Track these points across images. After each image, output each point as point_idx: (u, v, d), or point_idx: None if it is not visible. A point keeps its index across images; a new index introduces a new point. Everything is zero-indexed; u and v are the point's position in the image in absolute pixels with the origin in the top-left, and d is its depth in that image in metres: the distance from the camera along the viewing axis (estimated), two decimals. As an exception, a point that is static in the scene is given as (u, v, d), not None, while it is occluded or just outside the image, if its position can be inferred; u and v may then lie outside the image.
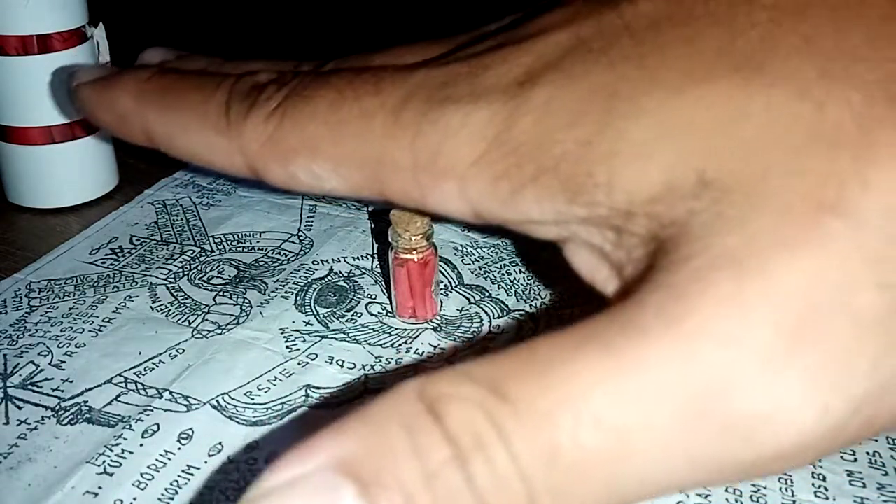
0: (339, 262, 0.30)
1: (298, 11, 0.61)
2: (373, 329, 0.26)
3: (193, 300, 0.28)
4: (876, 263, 0.15)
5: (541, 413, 0.15)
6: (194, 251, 0.30)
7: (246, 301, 0.27)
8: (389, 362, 0.25)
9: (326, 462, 0.15)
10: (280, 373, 0.24)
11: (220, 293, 0.28)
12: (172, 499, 0.20)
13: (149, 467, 0.21)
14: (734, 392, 0.15)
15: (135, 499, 0.20)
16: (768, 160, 0.16)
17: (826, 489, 0.20)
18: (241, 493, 0.20)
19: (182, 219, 0.33)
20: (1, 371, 0.24)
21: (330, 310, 0.27)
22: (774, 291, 0.15)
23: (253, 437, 0.22)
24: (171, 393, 0.23)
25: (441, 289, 0.28)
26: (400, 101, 0.22)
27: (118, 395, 0.23)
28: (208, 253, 0.30)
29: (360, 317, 0.27)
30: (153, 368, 0.24)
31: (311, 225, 0.32)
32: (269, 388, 0.24)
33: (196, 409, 0.23)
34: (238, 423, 0.22)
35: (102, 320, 0.26)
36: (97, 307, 0.27)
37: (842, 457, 0.21)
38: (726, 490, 0.20)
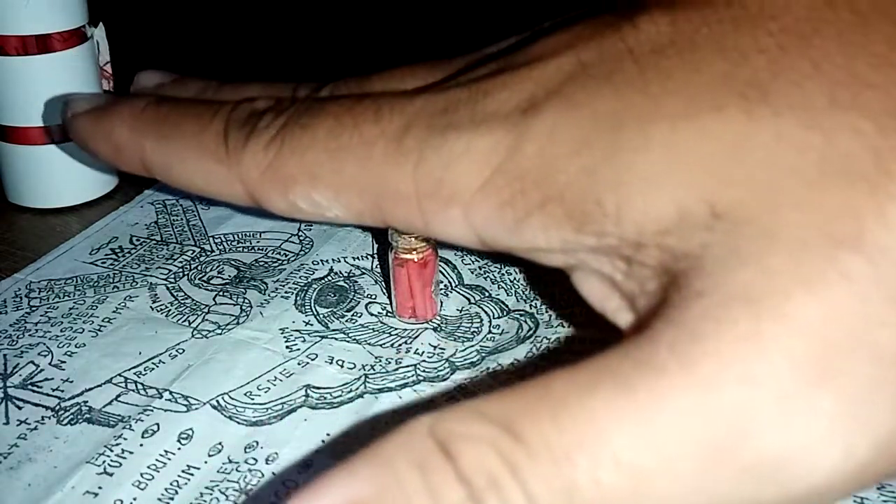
0: (339, 262, 0.30)
1: (297, 14, 0.61)
2: (373, 329, 0.26)
3: (193, 300, 0.28)
4: None
5: (557, 453, 0.15)
6: (194, 251, 0.30)
7: (246, 301, 0.27)
8: (389, 362, 0.25)
9: (338, 502, 0.14)
10: (280, 373, 0.24)
11: (220, 293, 0.28)
12: (172, 499, 0.20)
13: (149, 467, 0.21)
14: (754, 434, 0.15)
15: (135, 499, 0.20)
16: (780, 192, 0.16)
17: (826, 489, 0.20)
18: (242, 493, 0.20)
19: (182, 219, 0.33)
20: (1, 371, 0.24)
21: (330, 310, 0.27)
22: (792, 331, 0.15)
23: (253, 437, 0.22)
24: (171, 393, 0.23)
25: (441, 289, 0.28)
26: (400, 128, 0.21)
27: (118, 395, 0.23)
28: (208, 253, 0.30)
29: (360, 317, 0.27)
30: (153, 368, 0.24)
31: (311, 225, 0.32)
32: (269, 388, 0.24)
33: (196, 409, 0.23)
34: (238, 423, 0.22)
35: (102, 320, 0.26)
36: (97, 307, 0.27)
37: (842, 457, 0.21)
38: (726, 490, 0.20)
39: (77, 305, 0.27)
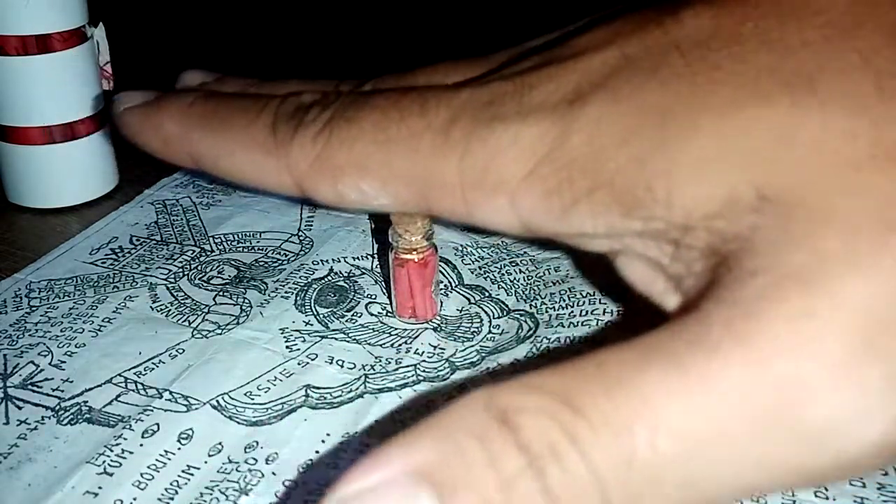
0: (339, 262, 0.30)
1: (297, 14, 0.61)
2: (373, 329, 0.26)
3: (193, 300, 0.28)
4: None
5: (616, 425, 0.15)
6: (194, 251, 0.30)
7: (246, 301, 0.27)
8: (389, 362, 0.25)
9: (402, 469, 0.15)
10: (280, 373, 0.24)
11: (220, 293, 0.28)
12: (172, 499, 0.20)
13: (149, 467, 0.21)
14: (806, 404, 0.15)
15: (135, 499, 0.20)
16: (828, 177, 0.17)
17: (826, 489, 0.20)
18: (242, 493, 0.20)
19: (182, 219, 0.33)
20: (1, 371, 0.24)
21: (330, 310, 0.27)
22: (844, 308, 0.16)
23: (253, 437, 0.22)
24: (171, 393, 0.23)
25: (441, 289, 0.28)
26: (447, 120, 0.22)
27: (118, 395, 0.23)
28: (208, 253, 0.30)
29: (360, 317, 0.27)
30: (153, 368, 0.24)
31: (311, 225, 0.32)
32: (269, 388, 0.24)
33: (196, 409, 0.23)
34: (238, 423, 0.22)
35: (102, 320, 0.26)
36: (97, 307, 0.27)
37: (842, 457, 0.21)
38: (726, 490, 0.20)
39: (77, 305, 0.27)
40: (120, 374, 0.24)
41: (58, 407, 0.23)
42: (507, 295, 0.28)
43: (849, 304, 0.16)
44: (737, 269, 0.17)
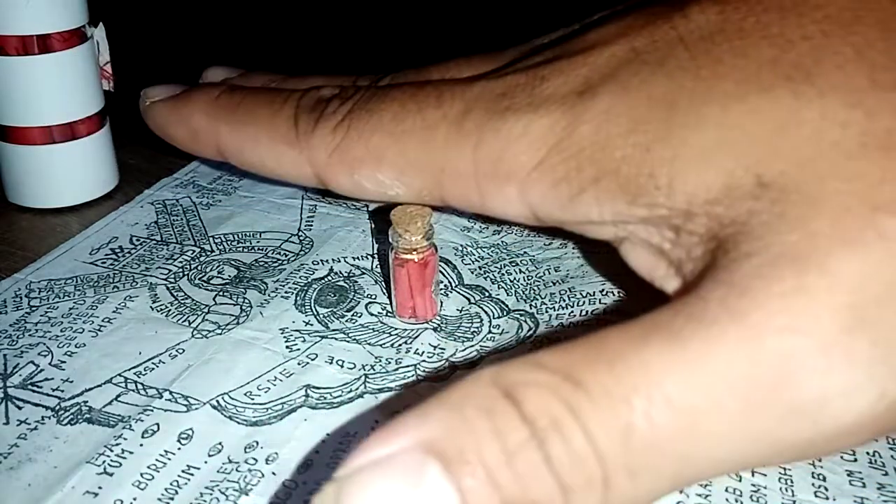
0: (339, 262, 0.30)
1: (298, 14, 0.61)
2: (373, 329, 0.26)
3: (193, 300, 0.28)
4: None
5: (615, 397, 0.16)
6: (194, 251, 0.30)
7: (246, 301, 0.27)
8: (389, 362, 0.25)
9: (411, 442, 0.15)
10: (280, 373, 0.24)
11: (220, 293, 0.28)
12: (172, 499, 0.20)
13: (149, 467, 0.21)
14: (797, 377, 0.16)
15: (135, 499, 0.20)
16: (823, 164, 0.17)
17: (826, 489, 0.20)
18: (242, 493, 0.20)
19: (182, 219, 0.33)
20: (1, 371, 0.24)
21: (330, 310, 0.27)
22: (834, 285, 0.16)
23: (253, 437, 0.22)
24: (171, 393, 0.23)
25: (441, 289, 0.28)
26: (461, 112, 0.23)
27: (118, 395, 0.23)
28: (208, 253, 0.30)
29: (360, 317, 0.27)
30: (153, 368, 0.24)
31: (311, 225, 0.32)
32: (269, 388, 0.24)
33: (196, 409, 0.23)
34: (238, 423, 0.22)
35: (102, 320, 0.26)
36: (97, 307, 0.27)
37: (842, 457, 0.21)
38: (726, 490, 0.20)
39: (77, 305, 0.27)
40: (120, 374, 0.24)
41: (58, 407, 0.23)
42: (507, 295, 0.28)
43: (838, 280, 0.16)
44: (734, 252, 0.17)
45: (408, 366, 0.25)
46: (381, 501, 0.15)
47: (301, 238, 0.31)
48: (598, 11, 0.25)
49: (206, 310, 0.27)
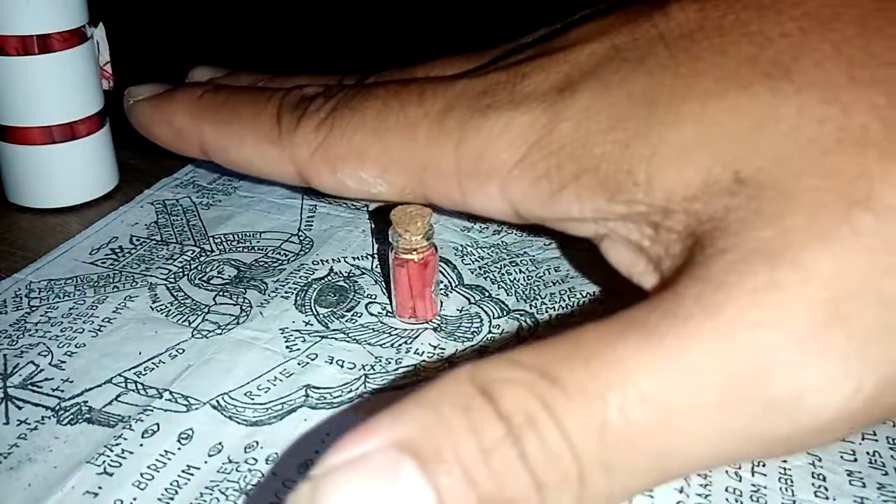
0: (339, 262, 0.30)
1: (297, 13, 0.61)
2: (373, 329, 0.26)
3: (193, 300, 0.28)
4: None
5: (590, 393, 0.16)
6: (194, 251, 0.30)
7: (246, 301, 0.27)
8: (389, 362, 0.25)
9: (386, 441, 0.15)
10: (280, 373, 0.24)
11: (220, 293, 0.28)
12: (172, 499, 0.20)
13: (149, 467, 0.21)
14: (772, 373, 0.16)
15: (135, 499, 0.20)
16: (800, 160, 0.17)
17: (826, 489, 0.20)
18: (242, 493, 0.20)
19: (182, 219, 0.33)
20: (1, 371, 0.24)
21: (330, 310, 0.27)
22: (808, 280, 0.16)
23: (253, 437, 0.22)
24: (171, 393, 0.23)
25: (441, 289, 0.28)
26: (443, 109, 0.23)
27: (118, 395, 0.23)
28: (208, 253, 0.30)
29: (360, 317, 0.27)
30: (153, 368, 0.24)
31: (311, 225, 0.32)
32: (269, 388, 0.24)
33: (196, 409, 0.23)
34: (238, 423, 0.22)
35: (102, 320, 0.26)
36: (97, 307, 0.27)
37: (842, 457, 0.21)
38: (726, 490, 0.20)
39: (77, 305, 0.27)
40: (120, 374, 0.24)
41: (58, 407, 0.23)
42: (507, 295, 0.28)
43: (812, 275, 0.16)
44: (710, 248, 0.17)
45: (408, 366, 0.25)
46: (356, 500, 0.15)
47: (301, 238, 0.31)
48: (584, 10, 0.25)
49: (206, 310, 0.27)
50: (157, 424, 0.22)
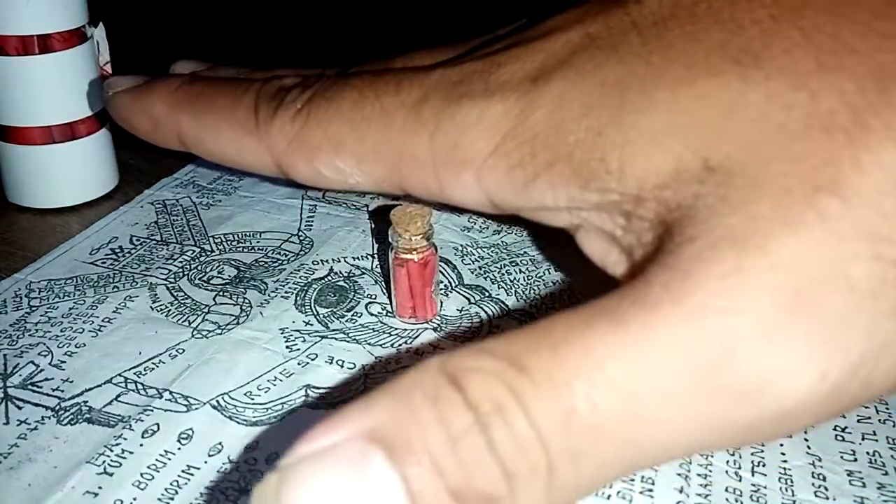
0: (339, 262, 0.30)
1: (297, 13, 0.61)
2: (373, 329, 0.26)
3: (193, 300, 0.28)
4: (869, 237, 0.16)
5: (557, 381, 0.16)
6: (194, 251, 0.30)
7: (246, 301, 0.27)
8: (389, 362, 0.25)
9: (355, 431, 0.15)
10: (280, 373, 0.24)
11: (220, 293, 0.28)
12: (172, 499, 0.20)
13: (149, 467, 0.21)
14: (738, 360, 0.16)
15: (135, 499, 0.20)
16: (768, 146, 0.17)
17: (826, 489, 0.20)
18: (242, 493, 0.20)
19: (182, 219, 0.33)
20: (1, 371, 0.24)
21: (330, 310, 0.27)
22: (773, 265, 0.16)
23: (253, 437, 0.22)
24: (171, 393, 0.23)
25: (441, 289, 0.28)
26: (418, 99, 0.23)
27: (118, 395, 0.23)
28: (208, 253, 0.30)
29: (360, 317, 0.27)
30: (153, 368, 0.24)
31: (311, 225, 0.32)
32: (269, 388, 0.24)
33: (196, 409, 0.23)
34: (238, 423, 0.22)
35: (102, 320, 0.26)
36: (97, 307, 0.27)
37: (842, 457, 0.21)
38: (726, 490, 0.20)
39: (77, 305, 0.27)
40: (120, 374, 0.24)
41: (58, 407, 0.23)
42: (507, 295, 0.28)
43: (778, 260, 0.16)
44: (679, 236, 0.17)
45: (408, 366, 0.24)
46: (324, 491, 0.15)
47: (301, 238, 0.31)
48: (568, 5, 0.25)
49: (206, 310, 0.27)
50: (157, 424, 0.22)
